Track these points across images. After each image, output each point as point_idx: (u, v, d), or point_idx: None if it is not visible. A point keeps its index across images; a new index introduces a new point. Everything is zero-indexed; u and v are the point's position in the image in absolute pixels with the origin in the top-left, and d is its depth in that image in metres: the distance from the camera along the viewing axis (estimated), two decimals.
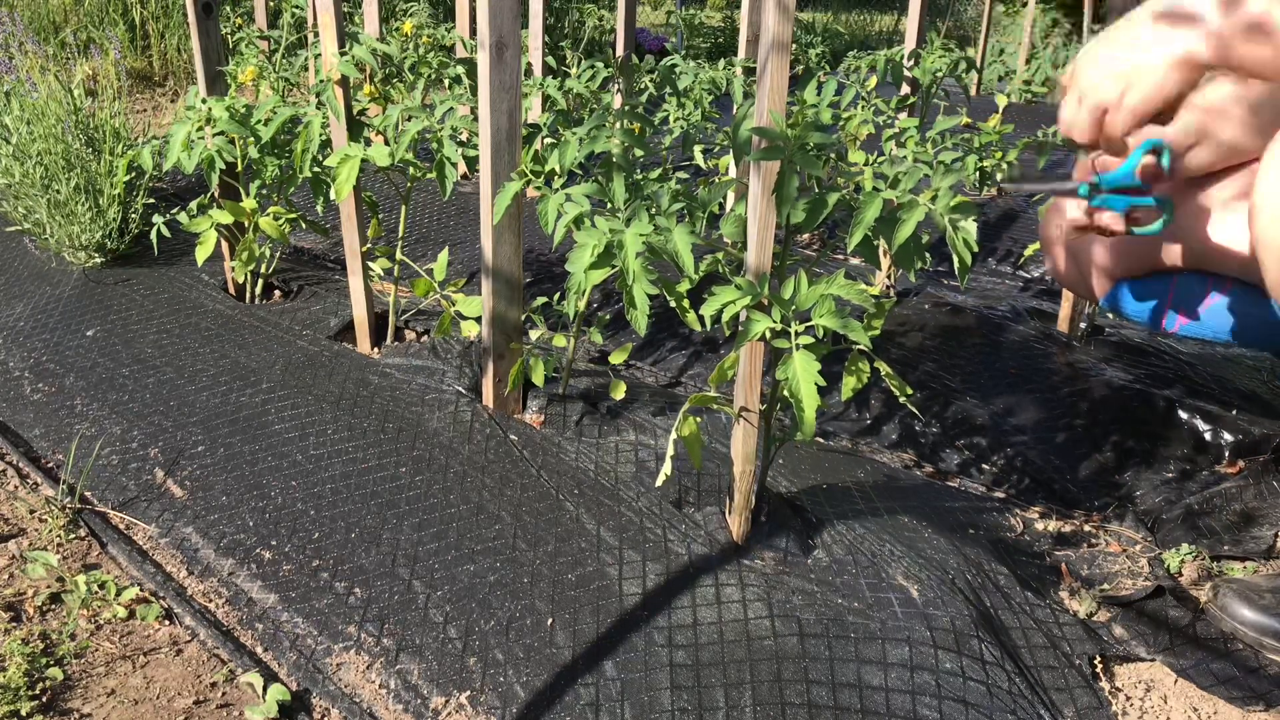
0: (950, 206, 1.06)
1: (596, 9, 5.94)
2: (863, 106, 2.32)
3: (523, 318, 1.61)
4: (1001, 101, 3.57)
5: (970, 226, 1.07)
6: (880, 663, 1.14)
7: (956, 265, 1.08)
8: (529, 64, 2.79)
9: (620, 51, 2.91)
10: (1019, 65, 5.48)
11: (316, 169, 1.83)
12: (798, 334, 1.08)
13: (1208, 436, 1.66)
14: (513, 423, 1.61)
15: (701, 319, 1.17)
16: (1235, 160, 1.21)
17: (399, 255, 1.87)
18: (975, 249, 1.07)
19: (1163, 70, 1.01)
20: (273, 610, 1.30)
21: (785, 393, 1.09)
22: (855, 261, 2.59)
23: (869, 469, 1.60)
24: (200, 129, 1.88)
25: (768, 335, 1.10)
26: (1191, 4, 1.00)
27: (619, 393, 1.64)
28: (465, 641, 1.21)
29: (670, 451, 1.25)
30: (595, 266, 1.27)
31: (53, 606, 1.32)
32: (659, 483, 1.25)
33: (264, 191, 1.99)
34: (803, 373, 1.06)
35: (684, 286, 1.34)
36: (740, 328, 1.12)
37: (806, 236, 2.79)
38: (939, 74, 2.36)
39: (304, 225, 2.03)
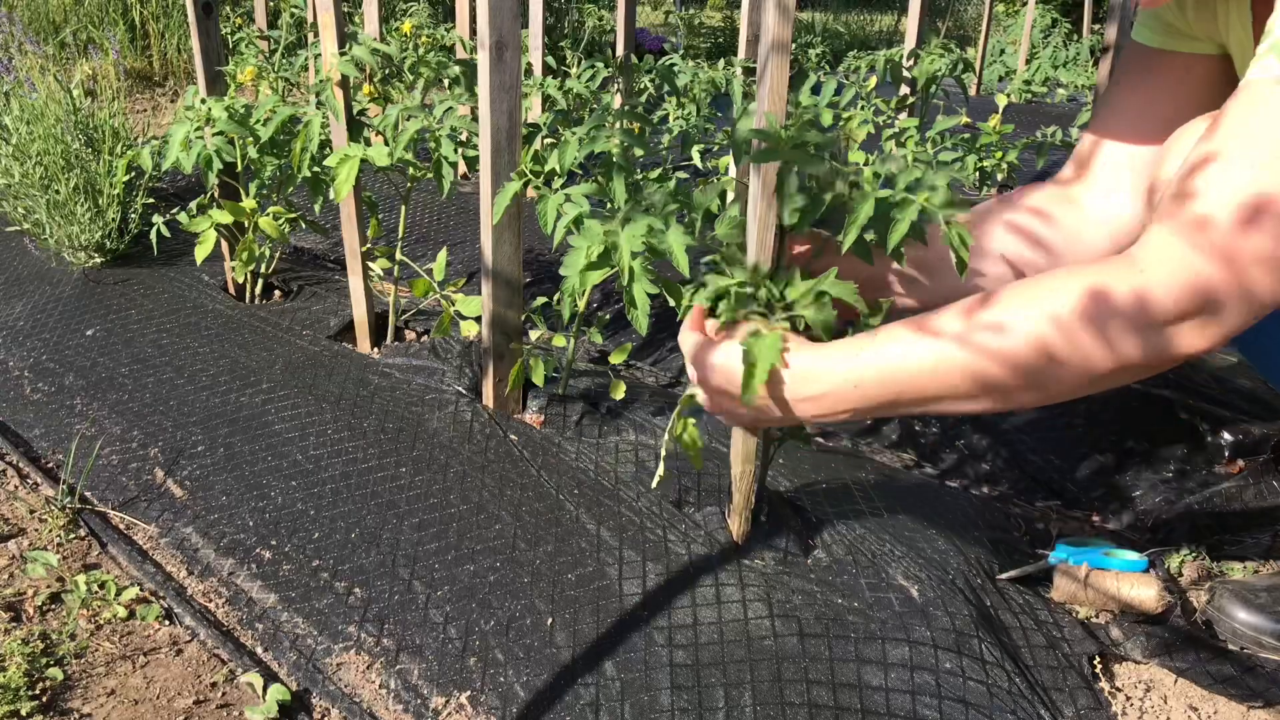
0: (944, 203, 1.05)
1: (596, 9, 5.94)
2: (862, 107, 2.32)
3: (523, 318, 1.61)
4: (1001, 101, 3.57)
5: (967, 229, 1.06)
6: (880, 663, 1.14)
7: (955, 262, 1.08)
8: (529, 64, 2.79)
9: (620, 51, 2.91)
10: (1019, 65, 5.48)
11: (316, 169, 1.83)
12: (778, 319, 1.07)
13: (1207, 436, 1.65)
14: (513, 423, 1.62)
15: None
16: None
17: (399, 255, 1.87)
18: (970, 242, 1.06)
19: None
20: (273, 610, 1.30)
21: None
22: None
23: (869, 469, 1.60)
24: (199, 129, 1.88)
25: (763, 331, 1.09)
26: None
27: (619, 393, 1.65)
28: (465, 641, 1.21)
29: (663, 452, 1.25)
30: (594, 267, 1.27)
31: (53, 606, 1.32)
32: (654, 484, 1.25)
33: (263, 191, 1.99)
34: (768, 348, 1.02)
35: (689, 293, 1.34)
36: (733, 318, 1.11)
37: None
38: (938, 74, 2.36)
39: (304, 225, 2.03)
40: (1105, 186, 1.23)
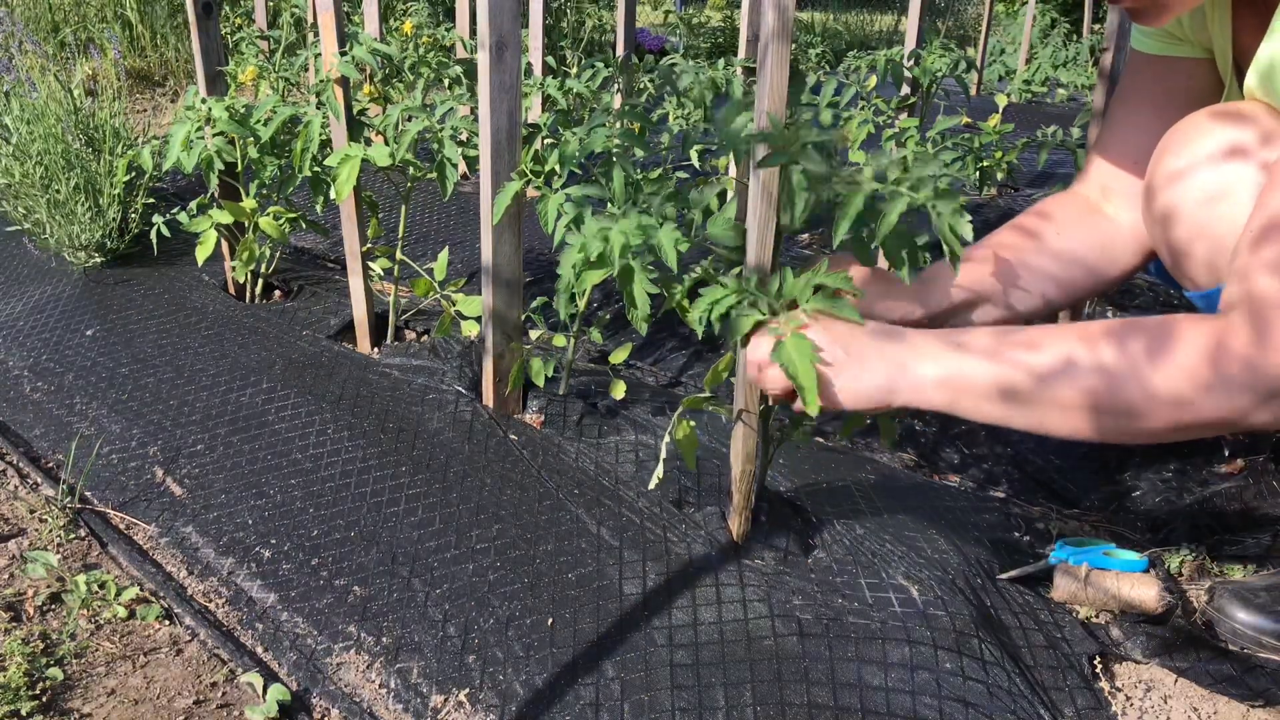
0: (934, 195, 1.04)
1: (596, 9, 5.94)
2: (862, 107, 2.32)
3: (523, 317, 1.61)
4: (1001, 101, 3.57)
5: (958, 219, 1.04)
6: (880, 662, 1.14)
7: (949, 257, 1.08)
8: (529, 64, 2.79)
9: (620, 51, 2.91)
10: (1019, 65, 5.48)
11: (316, 169, 1.83)
12: (787, 322, 1.07)
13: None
14: (513, 422, 1.62)
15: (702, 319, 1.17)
16: None
17: (399, 255, 1.87)
18: (966, 235, 1.04)
19: None
20: (273, 609, 1.30)
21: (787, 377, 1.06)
22: None
23: (869, 469, 1.60)
24: (200, 129, 1.88)
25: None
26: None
27: (619, 392, 1.65)
28: (465, 640, 1.21)
29: (663, 454, 1.25)
30: (593, 266, 1.27)
31: (53, 606, 1.32)
32: (651, 485, 1.25)
33: (264, 191, 2.00)
34: (798, 353, 1.03)
35: (683, 289, 1.34)
36: (730, 325, 1.11)
37: (806, 236, 2.79)
38: (939, 74, 2.36)
39: (304, 225, 2.03)
40: (1130, 198, 1.26)
